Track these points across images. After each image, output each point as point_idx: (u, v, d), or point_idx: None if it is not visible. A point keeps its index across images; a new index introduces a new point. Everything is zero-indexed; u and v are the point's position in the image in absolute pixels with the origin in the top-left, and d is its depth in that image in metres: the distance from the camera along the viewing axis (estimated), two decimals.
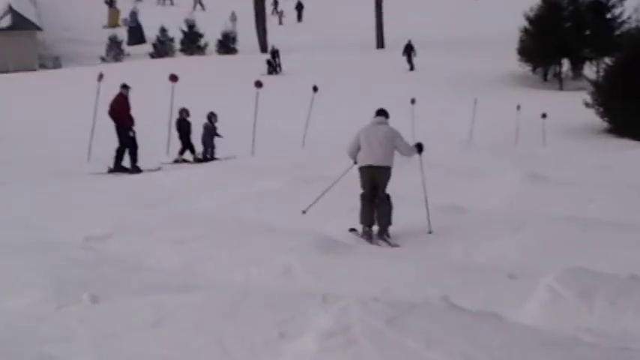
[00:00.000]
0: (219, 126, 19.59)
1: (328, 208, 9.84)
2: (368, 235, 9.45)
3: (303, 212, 9.95)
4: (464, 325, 4.31)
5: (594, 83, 32.45)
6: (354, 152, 9.77)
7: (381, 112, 9.92)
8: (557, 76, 40.07)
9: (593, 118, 29.81)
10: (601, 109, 30.10)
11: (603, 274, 5.50)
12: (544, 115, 25.32)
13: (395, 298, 5.83)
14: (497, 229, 9.04)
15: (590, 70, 39.00)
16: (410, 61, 40.16)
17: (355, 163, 9.85)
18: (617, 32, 37.86)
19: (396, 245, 9.19)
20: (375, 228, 9.47)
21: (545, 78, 40.62)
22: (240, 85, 26.33)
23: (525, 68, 39.51)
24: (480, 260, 7.93)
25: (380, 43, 45.65)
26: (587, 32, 38.62)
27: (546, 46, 37.31)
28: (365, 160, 9.59)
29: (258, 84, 20.74)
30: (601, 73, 35.50)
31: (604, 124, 29.86)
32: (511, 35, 39.10)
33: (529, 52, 38.84)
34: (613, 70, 30.96)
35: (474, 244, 8.46)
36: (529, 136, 24.41)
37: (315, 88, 21.87)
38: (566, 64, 40.21)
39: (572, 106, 30.65)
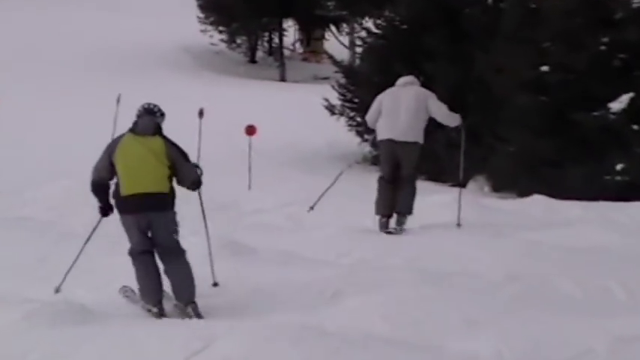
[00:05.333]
0: None
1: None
2: (385, 228, 12.44)
3: (311, 208, 13.45)
4: None
5: (345, 68, 28.30)
6: (374, 121, 12.60)
7: (409, 73, 13.27)
8: (276, 53, 39.61)
9: (345, 134, 26.01)
10: (358, 118, 25.29)
11: None
12: (201, 114, 20.55)
13: None
14: None
15: (336, 43, 38.78)
16: None
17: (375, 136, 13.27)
18: None
19: None
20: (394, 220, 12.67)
21: (252, 58, 40.45)
22: None
23: (215, 38, 39.17)
24: None
25: None
26: None
27: None
28: (385, 132, 12.27)
29: None
30: (359, 49, 32.02)
31: (366, 147, 25.03)
32: None
33: (220, 8, 38.02)
34: (379, 42, 26.19)
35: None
36: (231, 166, 22.50)
37: None
38: (292, 30, 40.80)
39: (306, 112, 28.89)
